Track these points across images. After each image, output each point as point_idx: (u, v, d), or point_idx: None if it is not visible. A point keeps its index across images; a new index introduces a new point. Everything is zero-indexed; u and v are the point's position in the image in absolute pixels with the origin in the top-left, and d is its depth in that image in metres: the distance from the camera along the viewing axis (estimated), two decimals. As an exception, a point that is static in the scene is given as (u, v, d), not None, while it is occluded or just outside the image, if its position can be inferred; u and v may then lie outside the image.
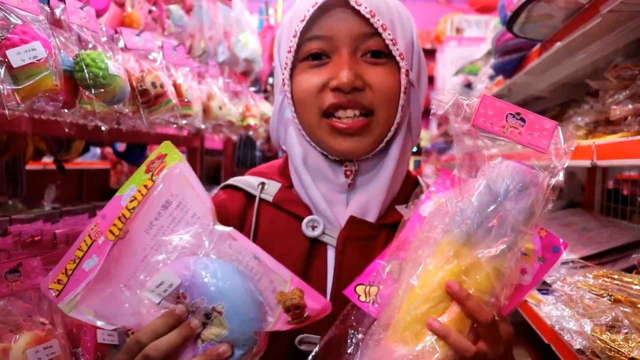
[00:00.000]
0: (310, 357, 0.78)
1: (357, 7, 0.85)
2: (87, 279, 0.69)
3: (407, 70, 0.90)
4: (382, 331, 0.68)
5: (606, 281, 1.09)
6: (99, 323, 0.71)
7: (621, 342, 0.91)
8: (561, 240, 0.71)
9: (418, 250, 0.69)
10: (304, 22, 0.88)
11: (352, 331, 0.73)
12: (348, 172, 0.92)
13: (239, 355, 0.68)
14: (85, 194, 3.32)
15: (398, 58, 0.89)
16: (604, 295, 1.04)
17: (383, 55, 0.89)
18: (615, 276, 1.10)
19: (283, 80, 0.93)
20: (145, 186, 0.72)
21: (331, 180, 0.92)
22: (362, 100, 0.87)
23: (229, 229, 0.72)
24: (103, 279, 0.70)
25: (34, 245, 1.32)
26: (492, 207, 0.66)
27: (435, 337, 0.65)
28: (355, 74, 0.86)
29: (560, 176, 0.66)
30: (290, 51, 0.90)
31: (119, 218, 0.70)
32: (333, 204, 0.92)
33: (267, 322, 0.69)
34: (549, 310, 1.20)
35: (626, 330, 0.93)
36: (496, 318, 0.68)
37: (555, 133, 0.66)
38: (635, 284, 1.06)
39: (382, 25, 0.86)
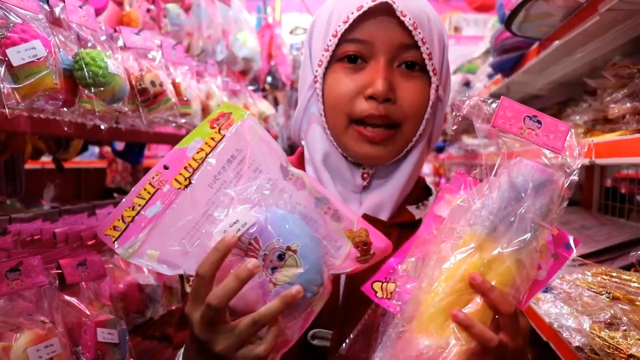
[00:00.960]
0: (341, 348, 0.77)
1: (402, 17, 0.85)
2: (150, 225, 0.69)
3: (437, 86, 0.91)
4: (405, 324, 0.70)
5: (605, 279, 1.09)
6: (160, 268, 0.70)
7: (620, 339, 0.92)
8: (572, 238, 0.74)
9: (441, 243, 0.72)
10: (347, 24, 0.87)
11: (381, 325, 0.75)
12: (365, 175, 0.94)
13: (310, 296, 0.68)
14: (84, 193, 3.32)
15: (431, 73, 0.89)
16: (603, 292, 1.05)
17: (418, 67, 0.89)
18: (614, 274, 1.10)
19: (315, 77, 0.93)
20: (212, 139, 0.72)
21: (348, 181, 0.94)
22: (391, 114, 0.87)
23: (299, 172, 0.73)
24: (166, 228, 0.70)
25: (33, 244, 1.32)
26: (513, 203, 0.69)
27: (459, 328, 0.67)
28: (390, 84, 0.87)
29: (575, 175, 0.69)
30: (328, 50, 0.90)
31: (185, 167, 0.71)
32: (347, 202, 0.93)
33: (338, 258, 0.70)
34: (548, 308, 1.20)
35: (625, 328, 0.94)
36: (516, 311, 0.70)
37: (569, 135, 0.70)
38: (634, 282, 1.06)
39: (422, 39, 0.87)
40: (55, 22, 1.09)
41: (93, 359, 1.12)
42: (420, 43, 0.87)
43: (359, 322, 0.84)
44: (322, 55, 0.91)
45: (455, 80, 3.74)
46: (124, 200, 0.71)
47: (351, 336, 0.77)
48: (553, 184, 0.69)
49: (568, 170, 0.69)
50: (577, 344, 1.06)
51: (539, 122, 0.71)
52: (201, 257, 0.68)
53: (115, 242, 0.70)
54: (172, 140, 2.34)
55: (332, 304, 0.87)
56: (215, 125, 0.74)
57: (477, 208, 0.71)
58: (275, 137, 3.25)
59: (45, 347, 1.00)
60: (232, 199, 0.70)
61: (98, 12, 1.41)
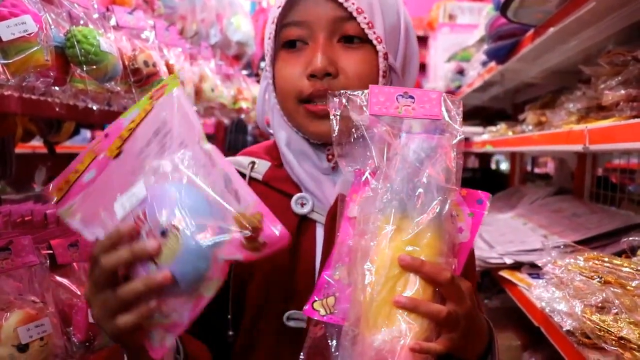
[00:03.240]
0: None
1: None
2: (84, 191, 0.72)
3: (385, 54, 0.89)
4: (354, 328, 0.70)
5: (596, 264, 1.10)
6: (84, 233, 0.72)
7: (610, 322, 0.93)
8: (481, 192, 0.76)
9: (361, 241, 0.71)
10: (281, 9, 0.88)
11: (329, 340, 0.74)
12: (330, 156, 0.93)
13: (190, 281, 0.66)
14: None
15: (375, 42, 0.88)
16: (594, 277, 1.06)
17: (358, 39, 0.89)
18: (606, 259, 1.11)
19: (265, 67, 0.94)
20: (144, 109, 0.73)
21: (316, 164, 0.94)
22: (333, 88, 0.86)
23: (210, 147, 0.71)
24: (93, 195, 0.72)
25: (24, 225, 1.31)
26: (413, 176, 0.70)
27: (406, 313, 0.67)
28: (328, 59, 0.87)
29: (461, 135, 0.72)
30: (270, 38, 0.91)
31: (119, 137, 0.72)
32: (321, 183, 0.93)
33: (222, 243, 0.66)
34: (540, 293, 1.21)
35: (616, 310, 0.95)
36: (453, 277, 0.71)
37: (442, 99, 0.73)
38: (625, 266, 1.07)
39: (356, 9, 0.86)
40: (47, -2, 1.07)
41: (84, 340, 1.12)
42: (355, 13, 0.86)
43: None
44: (267, 44, 0.92)
45: (449, 68, 3.73)
46: (71, 163, 0.74)
47: (302, 356, 0.75)
48: (443, 147, 0.71)
49: (454, 132, 0.72)
50: (568, 327, 1.07)
51: (411, 97, 0.74)
52: (108, 223, 0.70)
53: (58, 203, 0.73)
54: (165, 124, 2.32)
55: (308, 285, 0.87)
56: (152, 96, 0.74)
57: (382, 193, 0.71)
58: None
59: (36, 326, 0.99)
60: (153, 171, 0.70)
61: (90, -8, 1.39)
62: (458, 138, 0.72)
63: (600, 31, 1.57)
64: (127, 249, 0.67)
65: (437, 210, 0.69)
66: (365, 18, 0.87)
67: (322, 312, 0.74)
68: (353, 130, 0.76)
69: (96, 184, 0.72)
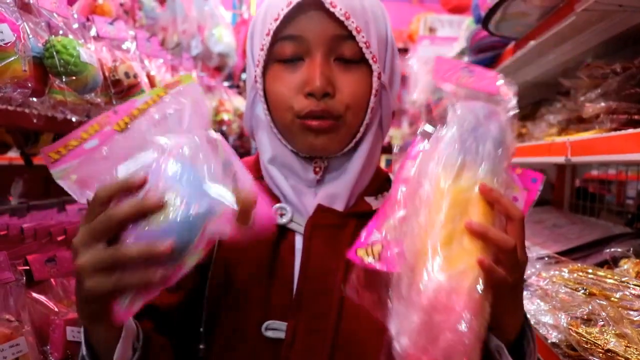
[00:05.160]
0: None
1: (331, 9, 0.84)
2: (83, 155, 0.74)
3: (379, 73, 0.90)
4: (409, 274, 0.68)
5: (581, 275, 1.10)
6: (74, 192, 0.74)
7: (597, 335, 0.93)
8: (534, 172, 0.78)
9: (419, 189, 0.72)
10: (278, 22, 0.86)
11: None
12: (317, 169, 0.93)
13: (178, 245, 0.66)
14: (53, 190, 3.23)
15: (371, 61, 0.88)
16: (579, 289, 1.06)
17: (356, 59, 0.88)
18: (590, 270, 1.11)
19: (255, 77, 0.92)
20: (158, 95, 0.78)
21: (300, 176, 0.93)
22: (331, 108, 0.87)
23: (216, 135, 0.76)
24: (93, 160, 0.75)
25: (-1, 239, 1.27)
26: (470, 133, 0.73)
27: (473, 244, 0.67)
28: (327, 79, 0.86)
29: (514, 111, 0.76)
30: (263, 49, 0.89)
31: (129, 115, 0.76)
32: (302, 195, 0.93)
33: (214, 213, 0.69)
34: (525, 305, 1.21)
35: (602, 323, 0.95)
36: None
37: (498, 78, 0.78)
38: (609, 278, 1.08)
39: (356, 28, 0.86)
40: (25, 7, 1.04)
41: (62, 359, 1.08)
42: (354, 32, 0.86)
43: (313, 313, 0.85)
44: (259, 55, 0.90)
45: (430, 80, 3.77)
46: (73, 132, 0.76)
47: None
48: (498, 114, 0.74)
49: (507, 108, 0.76)
50: (553, 340, 1.06)
51: (471, 71, 0.79)
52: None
53: (53, 164, 0.74)
54: (145, 135, 2.29)
55: (286, 295, 0.87)
56: (167, 86, 0.80)
57: (442, 145, 0.73)
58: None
59: (11, 346, 0.96)
60: (158, 145, 0.73)
61: (70, 2, 1.37)
62: (512, 112, 0.75)
63: (578, 45, 1.59)
64: (137, 200, 0.66)
65: (495, 164, 0.71)
66: (363, 37, 0.86)
67: (369, 259, 0.73)
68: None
69: (97, 151, 0.74)
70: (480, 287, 0.65)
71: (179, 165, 0.70)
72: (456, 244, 0.67)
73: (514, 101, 0.76)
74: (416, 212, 0.71)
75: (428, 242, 0.67)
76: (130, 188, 0.67)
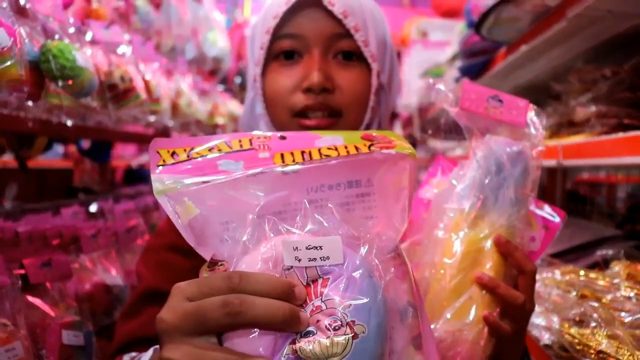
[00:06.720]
0: None
1: (329, 7, 0.85)
2: (213, 176, 0.52)
3: (378, 72, 0.90)
4: None
5: (573, 277, 1.12)
6: (184, 231, 0.53)
7: (589, 336, 0.94)
8: (556, 208, 0.79)
9: (434, 228, 0.72)
10: (277, 20, 0.87)
11: None
12: None
13: None
14: (47, 194, 3.21)
15: (369, 60, 0.89)
16: (571, 291, 1.07)
17: (354, 56, 0.89)
18: (582, 272, 1.13)
19: (255, 76, 0.93)
20: (356, 147, 0.55)
21: None
22: (330, 103, 0.87)
23: (407, 259, 0.57)
24: (225, 192, 0.53)
25: (-6, 243, 1.27)
26: (494, 176, 0.72)
27: (480, 298, 0.67)
28: (325, 75, 0.86)
29: (541, 146, 0.74)
30: (263, 48, 0.90)
31: (302, 152, 0.55)
32: None
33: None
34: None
35: (594, 324, 0.96)
36: None
37: (528, 109, 0.75)
38: (600, 280, 1.09)
39: (354, 27, 0.87)
40: (21, 11, 1.05)
41: (57, 363, 1.08)
42: (352, 31, 0.87)
43: None
44: (259, 54, 0.91)
45: (422, 84, 3.78)
46: (206, 136, 0.57)
47: None
48: (525, 154, 0.73)
49: (534, 141, 0.74)
50: (546, 341, 1.08)
51: (500, 100, 0.76)
52: (245, 249, 0.52)
53: (160, 167, 0.53)
54: (140, 139, 2.29)
55: None
56: (369, 138, 0.58)
57: (462, 187, 0.72)
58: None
59: (6, 351, 0.95)
60: (348, 236, 0.52)
61: (65, 6, 1.37)
62: (539, 148, 0.74)
63: (569, 49, 1.61)
64: (281, 307, 0.47)
65: (514, 213, 0.70)
66: (361, 36, 0.87)
67: None
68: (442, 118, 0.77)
69: (236, 181, 0.52)
70: (483, 340, 0.67)
71: (367, 277, 0.50)
72: (465, 294, 0.68)
73: (543, 133, 0.74)
74: (430, 249, 0.71)
75: (438, 287, 0.68)
76: (284, 297, 0.49)
